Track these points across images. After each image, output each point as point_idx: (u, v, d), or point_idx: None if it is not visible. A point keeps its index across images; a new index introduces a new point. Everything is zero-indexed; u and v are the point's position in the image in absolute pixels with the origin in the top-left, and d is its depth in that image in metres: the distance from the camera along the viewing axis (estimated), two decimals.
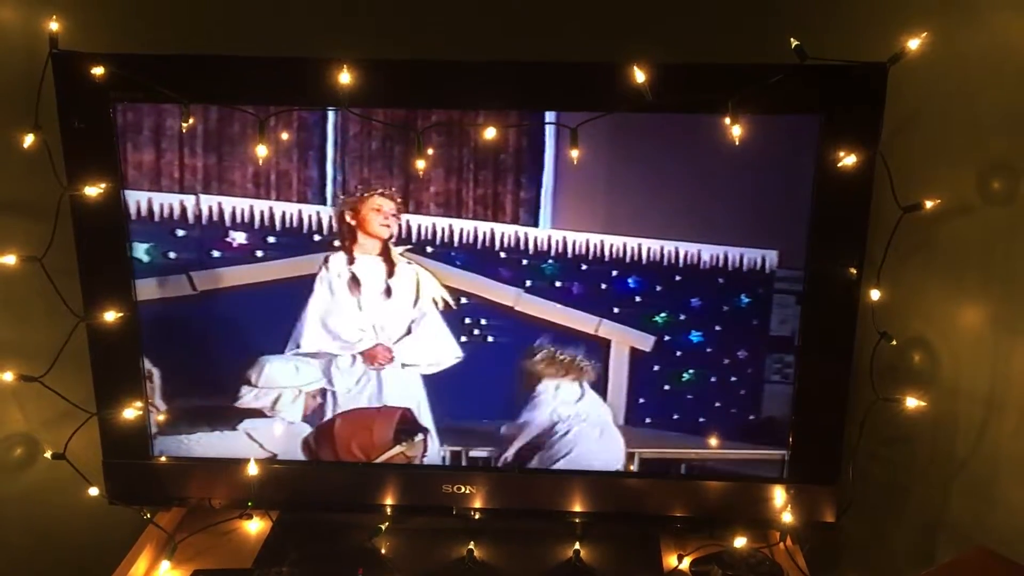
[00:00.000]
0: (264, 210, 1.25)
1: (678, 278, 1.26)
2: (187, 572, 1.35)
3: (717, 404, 1.32)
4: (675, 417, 1.32)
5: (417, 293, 1.28)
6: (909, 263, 1.30)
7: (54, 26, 1.15)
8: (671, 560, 1.37)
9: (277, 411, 1.33)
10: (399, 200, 1.24)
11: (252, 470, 1.33)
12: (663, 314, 1.28)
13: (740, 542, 1.35)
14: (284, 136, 1.21)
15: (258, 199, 1.24)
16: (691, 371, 1.30)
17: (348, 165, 1.22)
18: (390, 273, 1.28)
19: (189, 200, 1.24)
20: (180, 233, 1.25)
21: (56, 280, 1.23)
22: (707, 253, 1.25)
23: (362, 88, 1.15)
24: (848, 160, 1.15)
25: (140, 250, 1.26)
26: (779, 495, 1.32)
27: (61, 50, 1.16)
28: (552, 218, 1.24)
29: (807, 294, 1.24)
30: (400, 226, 1.25)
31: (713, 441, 1.32)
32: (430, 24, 1.34)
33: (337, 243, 1.26)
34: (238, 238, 1.26)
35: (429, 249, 1.26)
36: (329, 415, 1.34)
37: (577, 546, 1.39)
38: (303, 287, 1.28)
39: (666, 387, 1.31)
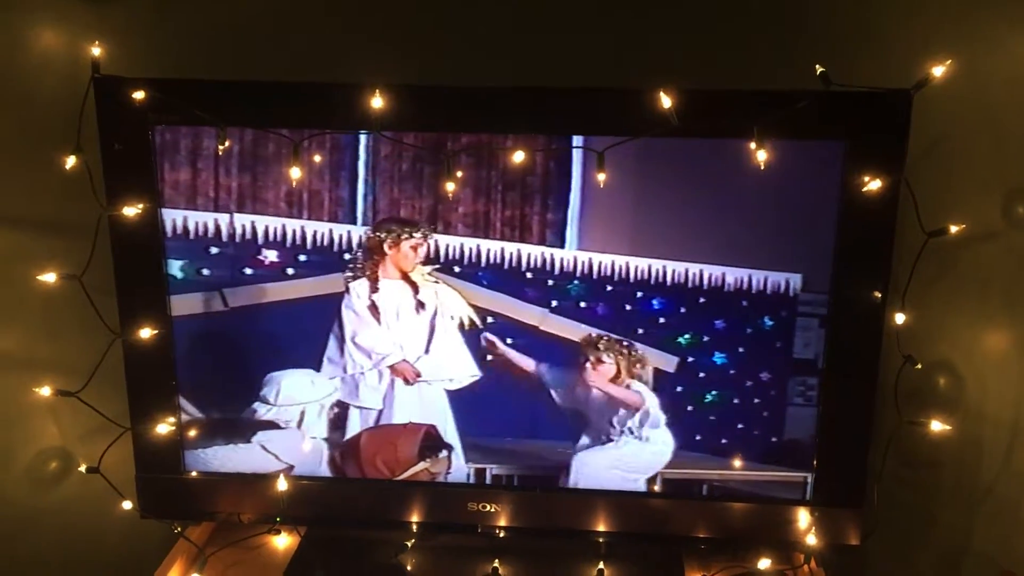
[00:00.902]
0: (296, 229, 1.27)
1: (702, 300, 1.27)
2: None
3: (740, 426, 1.32)
4: (697, 438, 1.33)
5: (436, 311, 1.30)
6: (934, 287, 1.30)
7: (96, 51, 1.18)
8: None
9: (304, 429, 1.35)
10: (427, 232, 1.26)
11: (281, 485, 1.35)
12: (687, 335, 1.29)
13: (764, 564, 1.35)
14: (316, 157, 1.24)
15: (290, 218, 1.27)
16: (714, 392, 1.31)
17: (379, 186, 1.25)
18: (415, 292, 1.30)
19: (223, 218, 1.27)
20: (214, 251, 1.28)
21: (94, 298, 1.26)
22: (731, 276, 1.26)
23: (393, 112, 1.17)
24: (873, 185, 1.16)
25: (175, 267, 1.29)
26: (803, 517, 1.32)
27: (103, 75, 1.19)
28: (578, 239, 1.26)
29: (832, 317, 1.25)
30: (428, 247, 1.27)
31: (735, 462, 1.33)
32: (460, 50, 1.36)
33: (361, 266, 1.29)
34: (270, 256, 1.28)
35: (457, 269, 1.28)
36: (354, 429, 1.35)
37: (601, 565, 1.40)
38: (332, 304, 1.30)
39: (689, 408, 1.32)
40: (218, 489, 1.39)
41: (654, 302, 1.28)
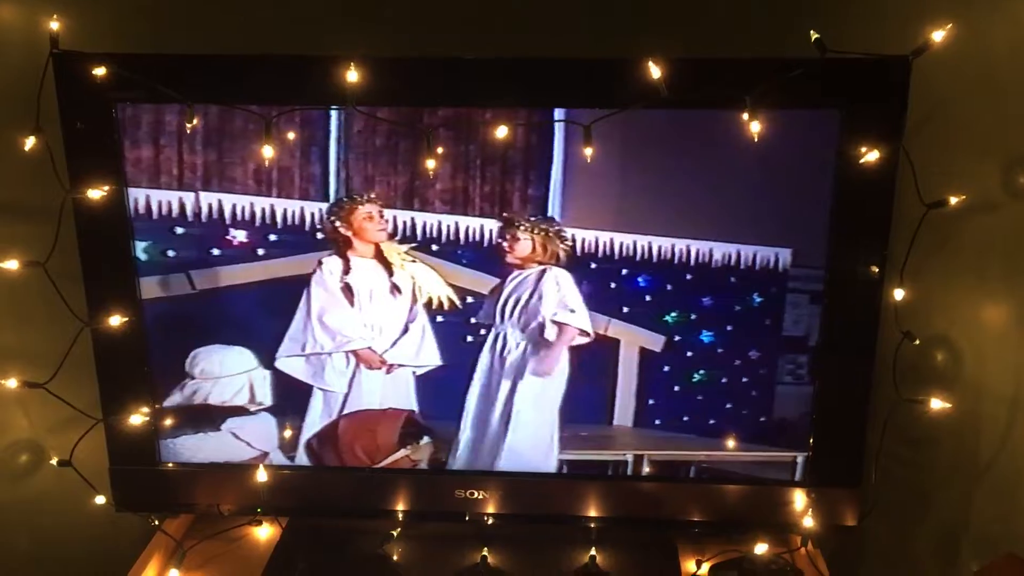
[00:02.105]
0: (265, 207, 1.22)
1: (689, 277, 1.23)
2: None
3: (728, 405, 1.29)
4: (685, 419, 1.30)
5: (415, 294, 1.26)
6: (932, 260, 1.26)
7: (54, 25, 1.12)
8: (689, 566, 1.35)
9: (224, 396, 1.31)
10: (385, 202, 1.21)
11: (261, 476, 1.31)
12: (673, 313, 1.25)
13: (761, 548, 1.32)
14: (287, 133, 1.18)
15: (259, 196, 1.21)
16: (702, 372, 1.28)
17: (352, 162, 1.20)
18: (389, 273, 1.25)
19: (189, 197, 1.21)
20: (179, 231, 1.23)
21: (59, 284, 1.21)
22: (719, 251, 1.22)
23: (368, 86, 1.12)
24: (870, 156, 1.12)
25: (139, 248, 1.24)
26: (799, 499, 1.29)
27: (62, 50, 1.13)
28: (560, 215, 1.21)
29: (828, 292, 1.21)
30: (403, 224, 1.22)
31: (724, 443, 1.30)
32: (438, 19, 1.31)
33: (334, 249, 1.24)
34: (239, 236, 1.23)
35: (435, 247, 1.23)
36: (316, 413, 1.31)
37: (593, 551, 1.37)
38: (302, 285, 1.25)
39: (676, 388, 1.28)
40: (196, 480, 1.35)
41: (639, 279, 1.24)
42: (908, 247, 1.18)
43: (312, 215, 1.22)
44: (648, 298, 1.25)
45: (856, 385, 1.24)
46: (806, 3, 1.27)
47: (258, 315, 1.27)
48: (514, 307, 1.25)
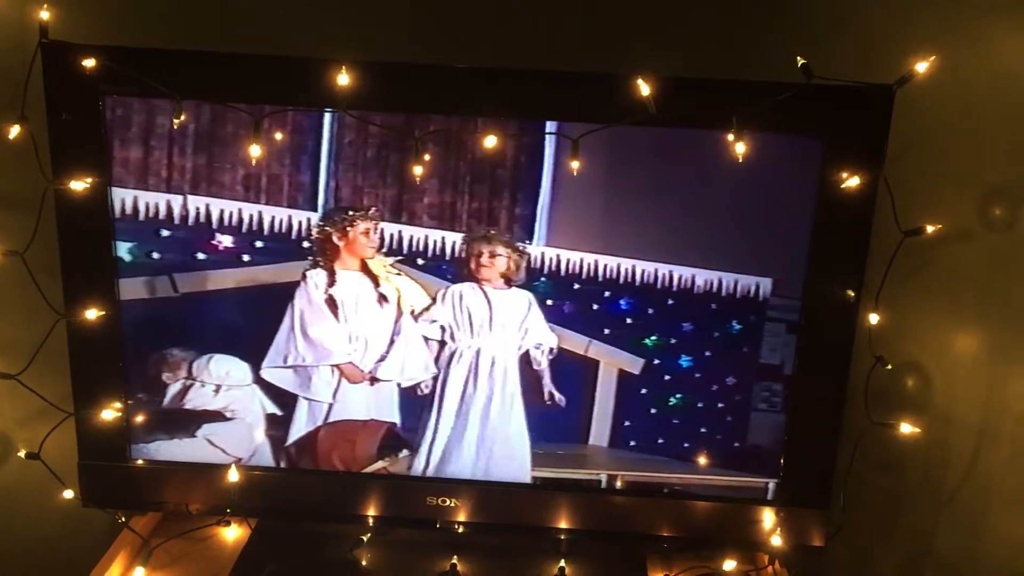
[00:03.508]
0: (253, 214, 1.22)
1: (671, 302, 1.24)
2: None
3: (703, 430, 1.30)
4: (660, 441, 1.31)
5: (399, 307, 1.26)
6: (905, 287, 1.28)
7: (44, 15, 1.11)
8: None
9: (247, 419, 1.30)
10: (380, 218, 1.21)
11: (232, 476, 1.30)
12: (653, 337, 1.26)
13: (729, 565, 1.33)
14: (278, 137, 1.18)
15: (247, 202, 1.21)
16: (679, 396, 1.29)
17: (342, 172, 1.20)
18: (375, 285, 1.25)
19: (176, 200, 1.21)
20: (165, 233, 1.22)
21: (37, 276, 1.20)
22: (701, 278, 1.23)
23: (359, 90, 1.12)
24: (851, 182, 1.14)
25: (123, 249, 1.23)
26: (768, 517, 1.30)
27: (51, 40, 1.12)
28: (547, 235, 1.22)
29: (805, 315, 1.22)
30: (391, 237, 1.23)
31: (696, 466, 1.31)
32: (430, 27, 1.32)
33: (319, 259, 1.24)
34: (225, 241, 1.23)
35: (420, 261, 1.24)
36: (301, 422, 1.30)
37: (562, 563, 1.37)
38: (288, 294, 1.25)
39: (652, 411, 1.29)
40: (165, 478, 1.33)
41: (621, 302, 1.24)
42: (884, 273, 1.20)
43: (299, 223, 1.22)
44: (629, 321, 1.25)
45: (829, 408, 1.25)
46: (796, 30, 1.28)
47: (239, 321, 1.27)
48: (490, 324, 1.26)
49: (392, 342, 1.27)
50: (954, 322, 1.30)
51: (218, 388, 1.29)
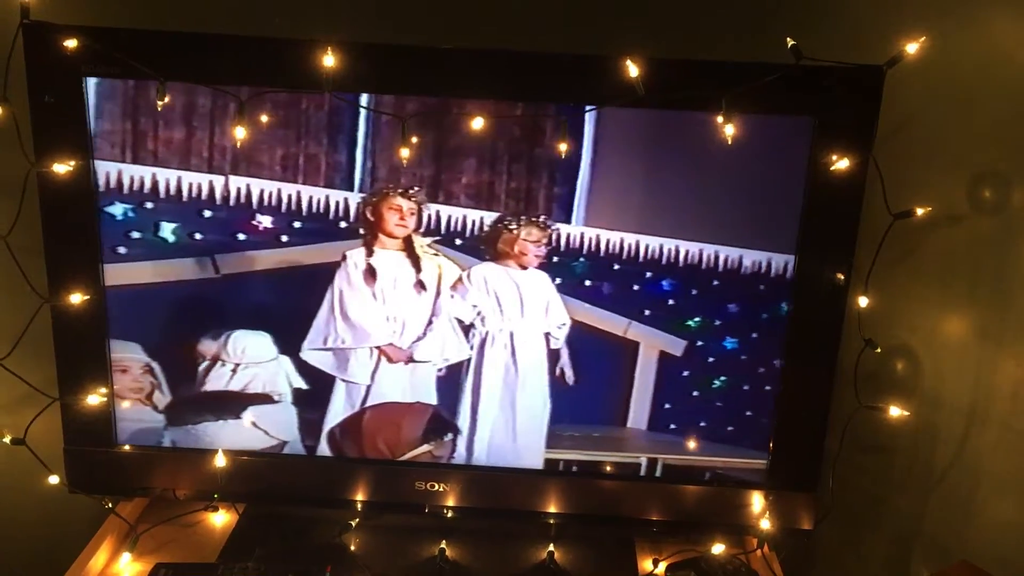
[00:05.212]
0: (291, 194, 1.20)
1: (716, 283, 1.23)
2: (149, 564, 1.31)
3: (748, 413, 1.29)
4: (702, 424, 1.30)
5: (438, 288, 1.25)
6: (895, 270, 1.28)
7: None
8: (647, 564, 1.35)
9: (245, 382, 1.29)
10: (421, 199, 1.20)
11: (220, 461, 1.29)
12: (697, 319, 1.25)
13: (718, 548, 1.33)
14: (317, 120, 1.17)
15: (286, 182, 1.20)
16: (723, 378, 1.28)
17: (378, 152, 1.18)
18: (417, 268, 1.24)
19: (219, 180, 1.20)
20: (207, 214, 1.21)
21: (20, 259, 1.19)
22: (748, 259, 1.22)
23: (348, 72, 1.11)
24: (841, 164, 1.13)
25: (167, 230, 1.22)
26: (757, 501, 1.30)
27: (32, 20, 1.11)
28: (585, 215, 1.21)
29: (794, 299, 1.22)
30: (424, 219, 1.21)
31: (738, 450, 1.30)
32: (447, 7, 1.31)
33: (361, 233, 1.22)
34: (265, 221, 1.21)
35: (458, 241, 1.22)
36: (339, 404, 1.30)
37: (551, 547, 1.37)
38: (326, 275, 1.24)
39: (695, 393, 1.29)
40: (152, 463, 1.33)
41: (664, 283, 1.23)
42: (874, 256, 1.20)
43: (337, 203, 1.21)
44: (671, 302, 1.24)
45: (818, 391, 1.25)
46: (783, 12, 1.28)
47: (277, 302, 1.27)
48: (521, 306, 1.25)
49: (430, 323, 1.26)
50: (943, 305, 1.30)
51: (236, 367, 1.28)
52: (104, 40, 1.12)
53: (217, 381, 1.29)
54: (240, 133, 1.14)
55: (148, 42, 1.13)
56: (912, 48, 1.08)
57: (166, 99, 1.14)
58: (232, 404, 1.30)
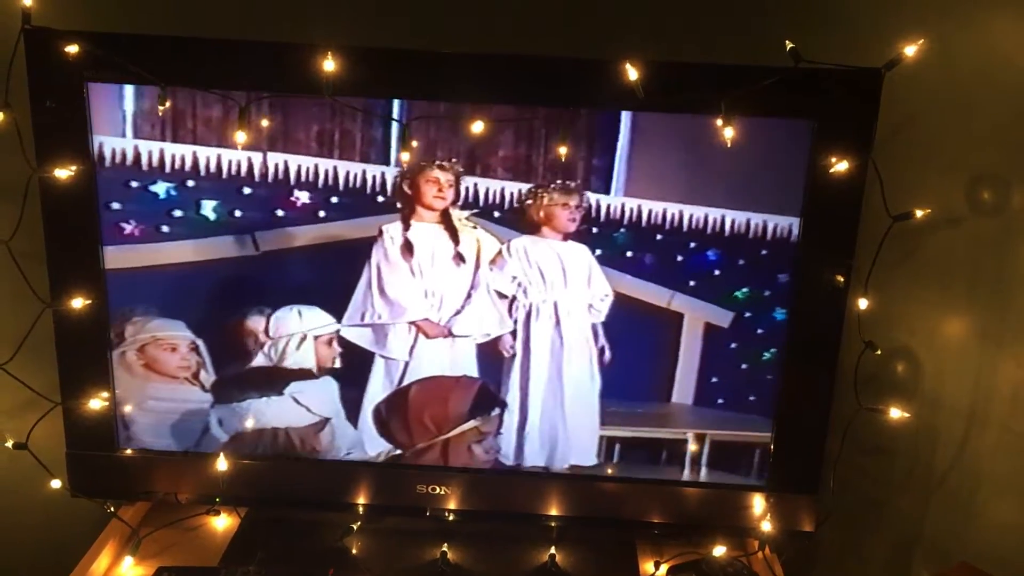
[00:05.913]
0: (328, 169, 1.20)
1: (764, 252, 1.21)
2: (151, 568, 1.31)
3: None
4: (751, 398, 1.28)
5: (478, 260, 1.24)
6: (895, 272, 1.28)
7: (27, 1, 1.10)
8: (648, 567, 1.35)
9: (286, 357, 1.28)
10: (458, 171, 1.19)
11: (221, 465, 1.30)
12: (744, 289, 1.23)
13: (719, 551, 1.33)
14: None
15: (323, 157, 1.19)
16: (772, 350, 1.25)
17: (414, 125, 1.17)
18: (455, 241, 1.23)
19: (256, 157, 1.19)
20: (247, 191, 1.21)
21: (23, 264, 1.19)
22: (799, 228, 1.19)
23: (344, 76, 1.12)
24: (840, 166, 1.14)
25: (207, 208, 1.22)
26: (758, 503, 1.30)
27: (34, 26, 1.11)
28: (625, 185, 1.19)
29: (794, 300, 1.22)
30: (462, 191, 1.20)
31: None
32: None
33: (399, 207, 1.22)
34: (302, 197, 1.21)
35: (496, 214, 1.21)
36: (378, 380, 1.29)
37: (553, 550, 1.37)
38: (364, 250, 1.23)
39: (743, 366, 1.26)
40: (154, 467, 1.33)
41: (709, 253, 1.22)
42: (873, 258, 1.20)
43: (374, 177, 1.20)
44: (717, 272, 1.22)
45: (818, 393, 1.25)
46: (783, 15, 1.28)
47: (315, 278, 1.27)
48: (564, 278, 1.24)
49: (468, 296, 1.25)
50: (943, 307, 1.30)
51: (279, 342, 1.28)
52: (105, 45, 1.12)
53: (259, 358, 1.29)
54: (241, 137, 1.15)
55: (149, 47, 1.14)
56: (911, 50, 1.09)
57: (167, 104, 1.14)
58: (275, 380, 1.30)
